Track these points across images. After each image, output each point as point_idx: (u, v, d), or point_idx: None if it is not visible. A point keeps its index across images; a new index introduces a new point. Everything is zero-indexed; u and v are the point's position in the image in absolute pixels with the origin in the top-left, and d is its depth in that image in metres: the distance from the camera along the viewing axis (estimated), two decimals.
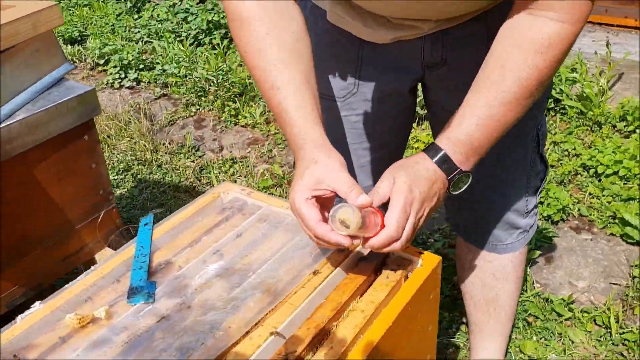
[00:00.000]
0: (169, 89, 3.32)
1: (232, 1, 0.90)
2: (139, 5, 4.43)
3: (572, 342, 1.65)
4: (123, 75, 3.43)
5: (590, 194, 2.24)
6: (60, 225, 1.43)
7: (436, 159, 0.88)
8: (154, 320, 0.87)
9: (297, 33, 0.91)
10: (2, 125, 1.24)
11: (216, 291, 0.92)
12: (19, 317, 0.88)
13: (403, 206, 0.83)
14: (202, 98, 3.14)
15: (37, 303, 0.91)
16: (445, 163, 0.88)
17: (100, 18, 4.38)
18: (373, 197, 0.85)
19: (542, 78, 0.86)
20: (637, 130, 2.63)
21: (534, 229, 1.31)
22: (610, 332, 1.65)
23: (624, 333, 1.64)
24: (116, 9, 4.41)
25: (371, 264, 0.97)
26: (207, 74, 3.20)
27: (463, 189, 0.93)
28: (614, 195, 2.21)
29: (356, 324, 0.86)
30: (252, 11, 0.89)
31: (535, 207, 1.29)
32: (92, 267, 0.99)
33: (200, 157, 2.68)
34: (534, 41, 0.84)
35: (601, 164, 2.33)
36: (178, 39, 3.76)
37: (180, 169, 2.56)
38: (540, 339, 1.67)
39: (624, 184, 2.29)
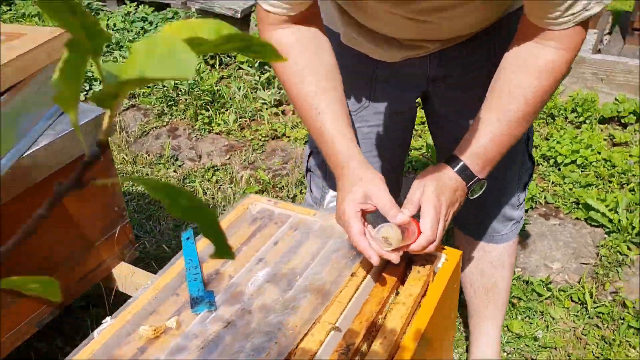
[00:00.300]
0: (137, 99, 3.34)
1: (271, 34, 1.00)
2: (92, 15, 4.38)
3: (553, 319, 1.83)
4: (88, 88, 3.42)
5: (552, 182, 2.45)
6: (81, 244, 1.49)
7: (457, 169, 1.02)
8: (220, 326, 0.96)
9: (329, 61, 1.03)
10: (27, 153, 1.29)
11: (270, 295, 1.02)
12: (95, 332, 0.96)
13: (435, 214, 0.96)
14: (173, 107, 3.18)
15: (107, 318, 0.98)
16: (465, 172, 1.02)
17: None
18: (407, 206, 0.98)
19: (545, 97, 1.00)
20: (587, 121, 2.87)
21: (523, 219, 1.47)
22: (586, 307, 1.84)
23: (597, 307, 1.83)
24: None
25: (401, 263, 1.09)
26: (174, 82, 3.24)
27: (479, 193, 1.07)
28: (574, 182, 2.42)
29: (402, 315, 0.98)
30: (291, 44, 0.99)
31: (524, 200, 1.44)
32: (148, 282, 1.07)
33: (180, 166, 2.73)
34: (538, 67, 0.97)
35: (560, 154, 2.54)
36: None
37: (163, 180, 2.60)
38: (525, 317, 1.84)
39: (582, 171, 2.51)
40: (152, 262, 2.05)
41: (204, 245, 1.16)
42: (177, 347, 0.92)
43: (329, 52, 1.04)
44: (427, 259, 1.09)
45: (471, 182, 1.03)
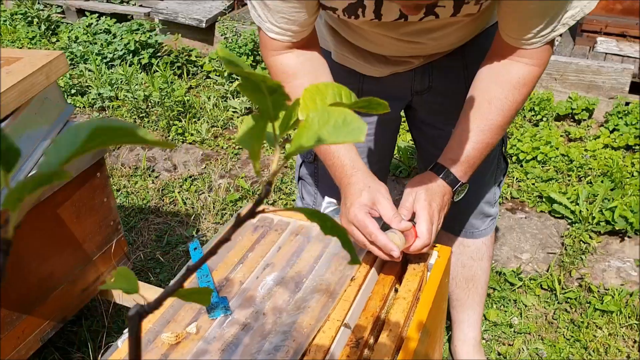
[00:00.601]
0: (107, 112, 3.35)
1: (276, 58, 1.08)
2: (52, 27, 4.35)
3: (526, 306, 1.96)
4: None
5: (516, 178, 2.60)
6: (80, 259, 1.53)
7: (442, 175, 1.12)
8: (238, 329, 1.04)
9: (329, 79, 1.11)
10: (31, 174, 1.33)
11: (281, 297, 1.09)
12: (119, 342, 1.01)
13: (429, 218, 1.06)
14: (145, 119, 3.20)
15: (127, 330, 1.04)
16: (450, 178, 1.12)
17: (12, 42, 4.26)
18: (402, 211, 1.08)
19: (518, 107, 1.12)
20: (544, 119, 3.04)
21: (498, 214, 1.59)
22: (555, 294, 1.98)
23: (566, 293, 1.98)
24: (29, 33, 4.31)
25: (397, 262, 1.19)
26: (143, 94, 3.27)
27: (462, 196, 1.18)
28: (536, 178, 2.58)
29: (403, 309, 1.07)
30: (295, 68, 1.08)
31: (499, 197, 1.56)
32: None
33: (157, 177, 2.77)
34: (512, 81, 1.09)
35: (522, 151, 2.69)
36: (104, 60, 3.76)
37: (141, 192, 2.64)
38: (500, 306, 1.97)
39: (542, 167, 2.67)
40: (148, 272, 2.09)
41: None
42: (199, 351, 0.99)
43: (328, 71, 1.13)
44: (421, 256, 1.19)
45: (456, 187, 1.13)
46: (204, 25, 3.85)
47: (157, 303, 0.36)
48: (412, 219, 1.10)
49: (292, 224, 1.29)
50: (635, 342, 1.80)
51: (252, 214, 0.33)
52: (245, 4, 4.21)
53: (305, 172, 1.46)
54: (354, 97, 0.34)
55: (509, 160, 1.54)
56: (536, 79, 1.10)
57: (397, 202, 1.12)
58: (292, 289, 1.12)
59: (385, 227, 1.09)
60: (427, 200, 1.08)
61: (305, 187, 1.49)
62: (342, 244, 0.32)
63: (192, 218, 2.45)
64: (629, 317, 1.86)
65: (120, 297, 1.66)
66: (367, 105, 0.32)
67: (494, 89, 1.10)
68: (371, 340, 1.03)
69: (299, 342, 0.99)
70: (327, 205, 1.33)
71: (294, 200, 2.49)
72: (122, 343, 1.01)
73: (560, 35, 1.04)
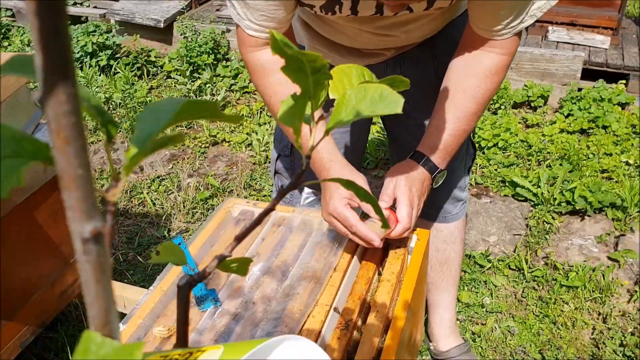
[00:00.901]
0: None
1: (254, 54, 1.10)
2: (3, 31, 4.23)
3: (496, 286, 2.04)
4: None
5: (480, 165, 2.68)
6: (58, 262, 1.52)
7: (422, 162, 1.17)
8: (229, 319, 1.06)
9: None
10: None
11: (269, 286, 1.12)
12: None
13: (409, 203, 1.10)
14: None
15: (120, 324, 1.05)
16: (429, 165, 1.17)
17: None
18: (384, 198, 1.12)
19: (491, 95, 1.17)
20: (502, 107, 3.14)
21: (468, 198, 1.65)
22: (523, 273, 2.06)
23: (533, 271, 2.06)
24: None
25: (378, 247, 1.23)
26: (104, 96, 3.23)
27: (441, 182, 1.23)
28: (498, 163, 2.67)
29: (388, 291, 1.11)
30: (273, 63, 1.10)
31: (468, 182, 1.62)
32: (150, 288, 1.14)
33: None
34: (484, 70, 1.14)
35: (483, 138, 2.78)
36: None
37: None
38: (471, 288, 2.04)
39: (503, 153, 2.76)
40: (122, 274, 2.08)
41: (195, 249, 1.24)
42: (193, 342, 1.01)
43: None
44: (402, 240, 1.23)
45: (435, 173, 1.18)
46: (162, 25, 3.82)
47: (223, 258, 0.38)
48: (393, 206, 1.14)
49: (274, 215, 1.31)
50: (599, 314, 1.89)
51: (294, 185, 0.35)
52: (203, 3, 4.19)
53: (281, 166, 1.49)
54: (375, 77, 0.37)
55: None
56: (506, 68, 1.16)
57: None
58: (279, 278, 1.14)
59: (364, 215, 1.12)
60: (407, 186, 1.12)
61: (282, 180, 1.51)
62: (374, 210, 0.35)
63: (162, 218, 2.44)
64: (593, 291, 1.96)
65: None
66: (392, 82, 0.35)
67: (468, 79, 1.15)
68: (360, 322, 1.07)
69: (290, 327, 1.02)
70: (306, 195, 1.36)
71: (264, 196, 2.51)
72: None
73: (528, 26, 1.10)
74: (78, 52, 3.68)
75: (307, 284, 1.12)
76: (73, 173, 0.18)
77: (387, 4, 0.92)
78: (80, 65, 3.62)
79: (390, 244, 1.23)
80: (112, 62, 3.64)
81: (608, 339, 1.80)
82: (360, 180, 1.10)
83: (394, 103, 0.30)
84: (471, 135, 1.50)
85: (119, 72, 3.50)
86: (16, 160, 0.20)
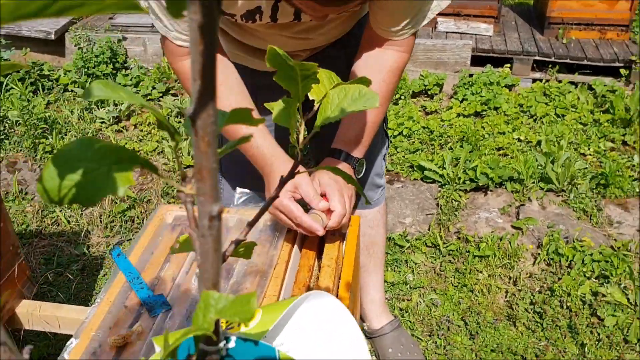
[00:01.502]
0: None
1: (184, 63, 1.13)
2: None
3: (416, 264, 2.18)
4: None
5: (389, 153, 2.83)
6: None
7: (341, 157, 1.25)
8: (182, 320, 1.09)
9: (236, 77, 1.19)
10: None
11: None
12: (65, 354, 1.02)
13: (338, 192, 1.18)
14: (5, 141, 3.01)
15: (72, 339, 1.05)
16: (347, 158, 1.26)
17: None
18: (314, 197, 1.19)
19: (394, 88, 1.29)
20: (402, 97, 3.32)
21: (385, 184, 1.77)
22: (439, 249, 2.22)
23: (448, 246, 2.22)
24: None
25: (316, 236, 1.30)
26: None
27: (363, 171, 1.32)
28: (405, 150, 2.83)
29: (330, 275, 1.19)
30: None
31: (385, 168, 1.74)
32: (96, 300, 1.14)
33: (32, 199, 2.63)
34: (386, 66, 1.24)
35: (389, 128, 2.93)
36: None
37: (18, 216, 2.50)
38: (395, 267, 2.17)
39: (408, 140, 2.93)
40: (44, 296, 2.01)
41: (135, 258, 1.25)
42: (151, 346, 1.03)
43: (234, 70, 1.20)
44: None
45: (354, 164, 1.27)
46: (52, 37, 3.66)
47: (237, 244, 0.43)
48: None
49: None
50: (510, 278, 2.08)
51: (292, 175, 0.41)
52: None
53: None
54: (339, 79, 0.44)
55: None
56: (405, 64, 1.27)
57: None
58: (225, 276, 1.18)
59: (307, 207, 1.19)
60: (332, 178, 1.20)
61: (223, 184, 1.55)
62: (357, 190, 0.42)
63: (80, 235, 2.38)
64: (502, 258, 2.15)
65: (30, 323, 1.61)
66: (360, 82, 0.43)
67: (372, 75, 1.25)
68: None
69: None
70: (240, 195, 1.40)
71: None
72: (69, 354, 1.02)
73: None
74: None
75: (253, 279, 1.17)
76: (209, 168, 0.23)
77: (312, 16, 0.99)
78: None
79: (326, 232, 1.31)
80: (1, 78, 3.45)
81: (520, 299, 1.99)
82: (304, 174, 1.16)
83: (371, 99, 0.37)
84: (383, 125, 1.61)
85: (12, 89, 3.32)
86: (122, 166, 0.24)
